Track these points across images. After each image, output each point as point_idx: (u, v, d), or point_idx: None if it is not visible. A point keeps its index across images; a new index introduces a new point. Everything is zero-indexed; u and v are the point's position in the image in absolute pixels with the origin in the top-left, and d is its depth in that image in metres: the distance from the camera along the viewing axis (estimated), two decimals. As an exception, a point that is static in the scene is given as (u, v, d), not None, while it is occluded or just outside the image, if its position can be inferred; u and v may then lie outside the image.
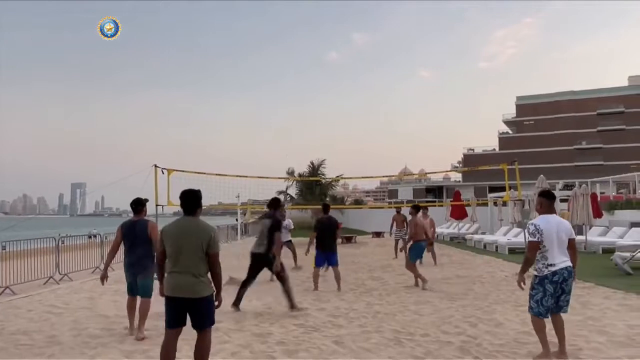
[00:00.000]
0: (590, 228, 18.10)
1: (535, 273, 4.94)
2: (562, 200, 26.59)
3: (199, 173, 9.34)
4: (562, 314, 4.99)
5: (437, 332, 6.14)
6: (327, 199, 40.52)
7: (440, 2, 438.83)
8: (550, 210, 5.06)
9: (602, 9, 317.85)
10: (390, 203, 70.25)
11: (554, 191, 23.50)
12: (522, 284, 5.04)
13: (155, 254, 5.40)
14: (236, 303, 7.55)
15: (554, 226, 4.87)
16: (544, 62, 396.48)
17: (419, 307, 7.85)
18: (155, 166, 11.94)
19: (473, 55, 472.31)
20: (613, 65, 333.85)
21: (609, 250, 15.04)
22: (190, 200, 4.36)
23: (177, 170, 11.62)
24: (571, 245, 4.97)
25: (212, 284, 4.36)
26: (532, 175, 21.06)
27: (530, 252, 4.91)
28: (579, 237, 18.09)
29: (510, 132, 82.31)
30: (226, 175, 14.21)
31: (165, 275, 4.34)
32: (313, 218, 16.13)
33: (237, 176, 15.27)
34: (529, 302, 4.97)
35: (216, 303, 4.40)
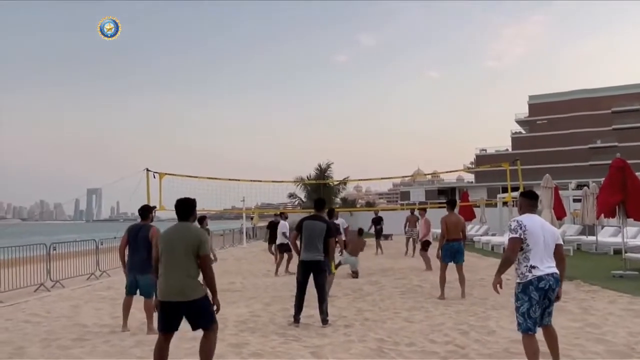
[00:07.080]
0: (602, 228, 17.53)
1: (518, 280, 4.33)
2: (575, 200, 25.98)
3: (190, 177, 9.08)
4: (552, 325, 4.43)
5: (424, 341, 5.77)
6: (338, 200, 40.21)
7: (446, 2, 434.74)
8: (532, 211, 4.54)
9: (614, 5, 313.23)
10: (402, 205, 69.64)
11: (564, 190, 22.98)
12: (498, 286, 4.43)
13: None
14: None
15: (539, 226, 4.35)
16: (554, 61, 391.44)
17: (411, 313, 7.47)
18: (147, 170, 11.70)
19: (481, 55, 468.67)
20: (628, 62, 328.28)
21: (620, 252, 14.47)
22: (184, 208, 4.59)
23: (169, 174, 11.35)
24: (558, 252, 4.38)
25: (205, 287, 4.46)
26: (546, 175, 20.41)
27: (510, 250, 4.31)
28: (590, 238, 17.57)
29: (523, 131, 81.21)
30: (217, 178, 13.97)
31: (159, 278, 4.43)
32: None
33: (230, 179, 15.05)
34: (516, 317, 4.34)
35: (214, 307, 4.45)
